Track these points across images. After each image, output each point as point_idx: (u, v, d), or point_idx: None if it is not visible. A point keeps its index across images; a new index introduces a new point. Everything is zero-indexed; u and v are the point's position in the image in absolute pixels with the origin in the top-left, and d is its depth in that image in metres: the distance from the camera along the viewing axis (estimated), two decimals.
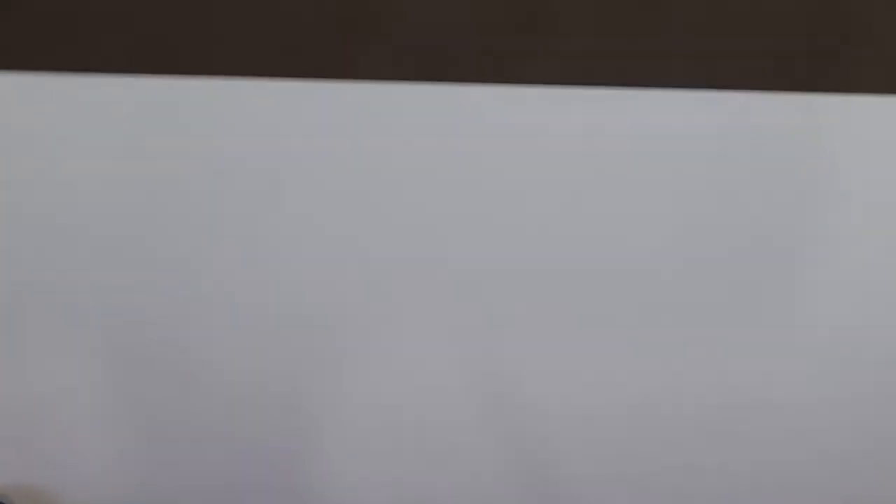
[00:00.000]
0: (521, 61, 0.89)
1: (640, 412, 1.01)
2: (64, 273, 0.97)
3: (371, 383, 1.01)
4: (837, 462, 1.03)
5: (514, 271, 0.96)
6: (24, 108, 0.91)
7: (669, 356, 0.99)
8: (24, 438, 1.04)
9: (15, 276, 0.98)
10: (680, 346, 0.99)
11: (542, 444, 1.02)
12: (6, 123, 0.92)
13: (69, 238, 0.96)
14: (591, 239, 0.95)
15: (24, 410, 1.03)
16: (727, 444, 1.02)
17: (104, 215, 0.95)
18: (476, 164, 0.93)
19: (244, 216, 0.95)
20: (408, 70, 0.89)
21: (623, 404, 1.01)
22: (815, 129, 0.91)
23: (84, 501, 1.06)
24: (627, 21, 0.87)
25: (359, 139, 0.93)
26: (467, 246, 0.96)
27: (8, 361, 1.01)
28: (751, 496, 1.04)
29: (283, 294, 0.97)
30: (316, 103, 0.92)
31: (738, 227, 0.94)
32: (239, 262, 0.96)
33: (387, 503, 1.05)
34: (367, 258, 0.96)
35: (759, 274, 0.96)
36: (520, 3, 0.87)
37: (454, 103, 0.91)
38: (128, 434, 1.03)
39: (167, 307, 0.98)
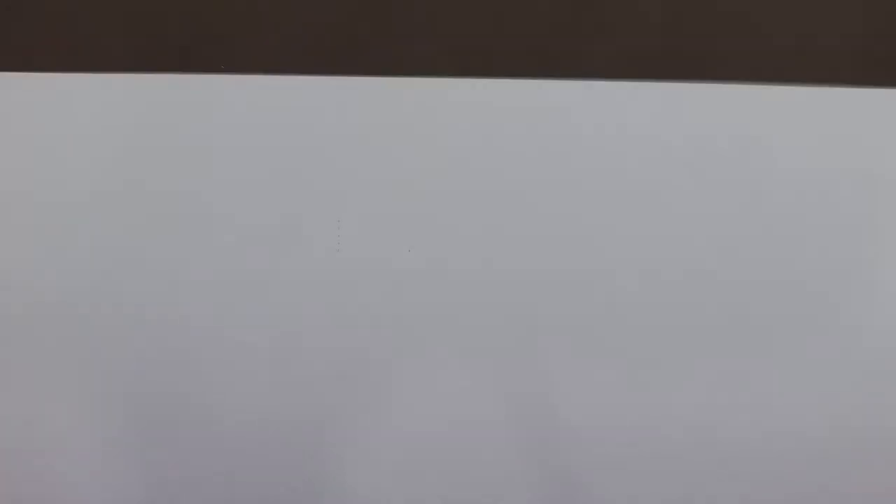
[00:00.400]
0: (580, 53, 0.89)
1: (678, 443, 1.00)
2: (61, 313, 0.96)
3: (397, 414, 1.00)
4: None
5: (546, 296, 0.96)
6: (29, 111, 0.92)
7: (715, 386, 0.98)
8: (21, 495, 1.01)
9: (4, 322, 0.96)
10: (725, 375, 0.98)
11: (574, 475, 1.01)
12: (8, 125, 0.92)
13: (66, 263, 0.95)
14: (635, 260, 0.94)
15: (18, 464, 1.00)
16: (765, 476, 1.01)
17: (104, 248, 0.95)
18: (507, 175, 0.93)
19: (262, 242, 0.95)
20: (452, 64, 0.89)
21: (656, 433, 1.00)
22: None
23: None
24: (692, 12, 0.87)
25: (390, 147, 0.92)
26: (495, 271, 0.95)
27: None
28: None
29: (302, 323, 0.97)
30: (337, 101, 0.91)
31: (812, 231, 0.93)
32: (254, 286, 0.96)
33: None
34: (391, 283, 0.95)
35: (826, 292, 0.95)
36: None
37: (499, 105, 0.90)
38: (131, 486, 1.01)
39: (173, 350, 0.97)
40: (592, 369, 0.97)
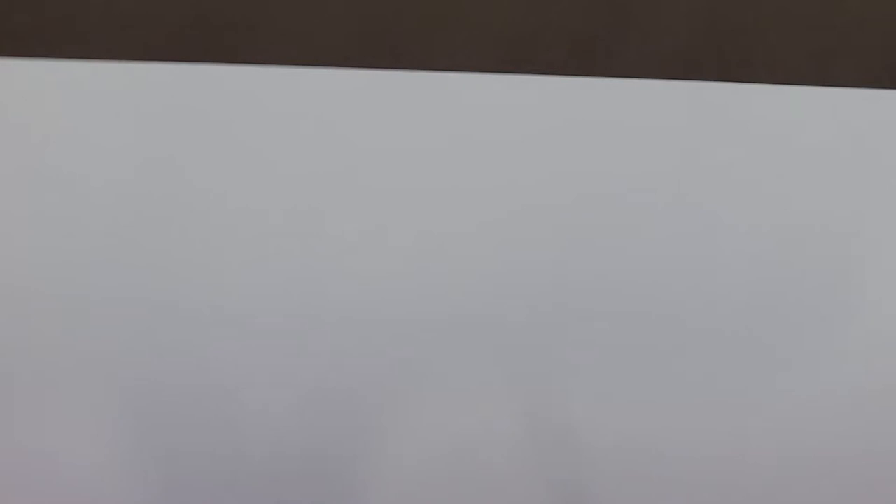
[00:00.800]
0: (615, 52, 0.89)
1: (713, 467, 1.00)
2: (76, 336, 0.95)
3: (415, 442, 0.99)
4: None
5: (568, 317, 0.95)
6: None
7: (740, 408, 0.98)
8: None
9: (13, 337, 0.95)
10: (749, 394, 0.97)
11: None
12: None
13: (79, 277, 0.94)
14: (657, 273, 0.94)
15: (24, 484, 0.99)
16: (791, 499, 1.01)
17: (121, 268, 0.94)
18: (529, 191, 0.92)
19: (288, 257, 0.94)
20: (491, 60, 0.89)
21: (689, 458, 0.99)
22: None
23: None
24: (730, 12, 0.87)
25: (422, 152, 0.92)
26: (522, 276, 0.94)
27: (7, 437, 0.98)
28: None
29: (322, 352, 0.96)
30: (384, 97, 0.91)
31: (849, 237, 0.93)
32: (278, 305, 0.95)
33: None
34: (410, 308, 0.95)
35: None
36: None
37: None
38: None
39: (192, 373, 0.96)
40: (612, 383, 0.97)
